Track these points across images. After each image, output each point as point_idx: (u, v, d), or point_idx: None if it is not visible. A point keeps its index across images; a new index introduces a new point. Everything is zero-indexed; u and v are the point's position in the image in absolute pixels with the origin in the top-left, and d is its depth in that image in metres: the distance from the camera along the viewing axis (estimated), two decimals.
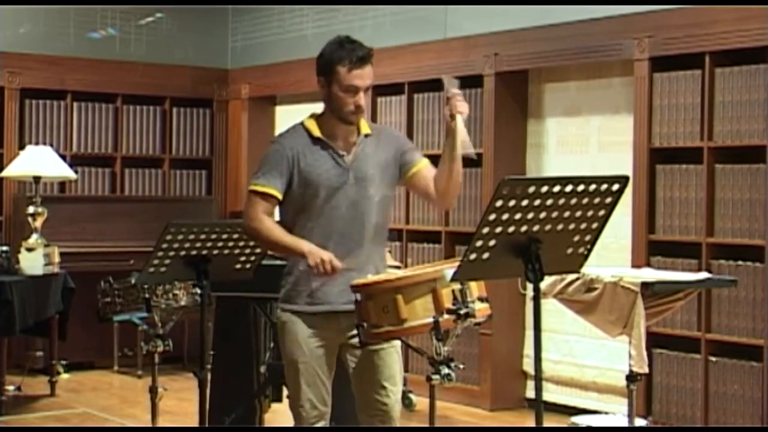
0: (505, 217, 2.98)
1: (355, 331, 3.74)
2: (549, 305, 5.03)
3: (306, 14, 8.66)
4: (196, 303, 4.75)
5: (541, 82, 7.26)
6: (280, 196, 3.85)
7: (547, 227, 3.06)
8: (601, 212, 3.11)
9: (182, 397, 6.80)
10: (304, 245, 3.75)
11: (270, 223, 3.84)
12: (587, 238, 3.17)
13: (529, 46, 6.95)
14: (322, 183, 3.83)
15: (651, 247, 6.30)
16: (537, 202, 2.98)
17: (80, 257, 8.04)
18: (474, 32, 7.31)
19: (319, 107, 3.97)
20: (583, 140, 7.00)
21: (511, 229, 3.01)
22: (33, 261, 7.20)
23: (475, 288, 3.54)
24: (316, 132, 3.88)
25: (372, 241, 3.89)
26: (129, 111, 9.04)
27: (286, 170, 3.84)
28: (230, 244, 4.19)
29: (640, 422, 5.20)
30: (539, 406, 3.16)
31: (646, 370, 4.55)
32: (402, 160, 3.94)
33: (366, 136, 3.92)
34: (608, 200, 3.09)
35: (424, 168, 3.94)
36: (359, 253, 3.84)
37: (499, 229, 3.00)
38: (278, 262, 5.13)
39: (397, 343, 3.91)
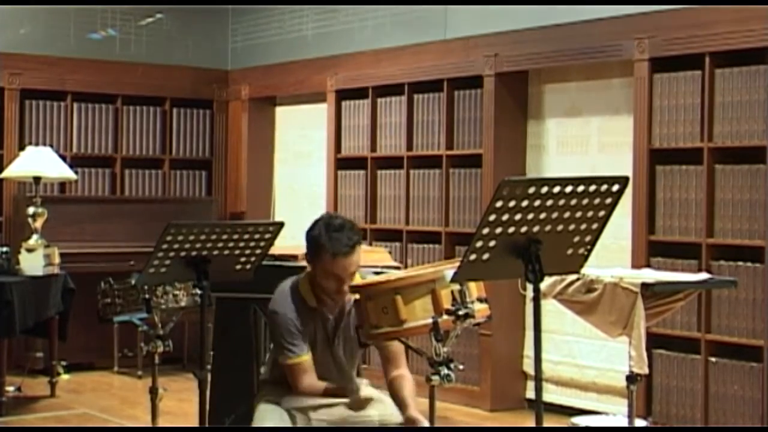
0: (505, 217, 2.98)
1: (320, 415, 3.90)
2: (549, 306, 5.03)
3: (306, 15, 8.66)
4: (196, 304, 4.73)
5: (541, 82, 7.26)
6: (309, 357, 3.96)
7: (547, 228, 3.05)
8: (601, 213, 3.11)
9: (182, 398, 6.79)
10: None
11: (313, 383, 3.96)
12: (587, 238, 3.17)
13: (529, 47, 6.95)
14: (311, 347, 3.98)
15: (651, 248, 6.30)
16: (537, 203, 2.98)
17: (80, 258, 8.03)
18: (474, 33, 7.31)
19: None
20: (583, 141, 7.00)
21: (511, 229, 3.01)
22: (33, 262, 7.19)
23: (475, 289, 3.54)
24: (312, 302, 3.98)
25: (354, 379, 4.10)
26: (129, 112, 9.04)
27: (297, 331, 3.95)
28: (230, 244, 4.18)
29: (640, 423, 5.20)
30: (539, 406, 3.16)
31: (646, 370, 4.54)
32: None
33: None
34: (608, 201, 3.09)
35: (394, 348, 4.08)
36: (351, 388, 3.99)
37: (499, 230, 3.00)
38: (278, 263, 5.14)
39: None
